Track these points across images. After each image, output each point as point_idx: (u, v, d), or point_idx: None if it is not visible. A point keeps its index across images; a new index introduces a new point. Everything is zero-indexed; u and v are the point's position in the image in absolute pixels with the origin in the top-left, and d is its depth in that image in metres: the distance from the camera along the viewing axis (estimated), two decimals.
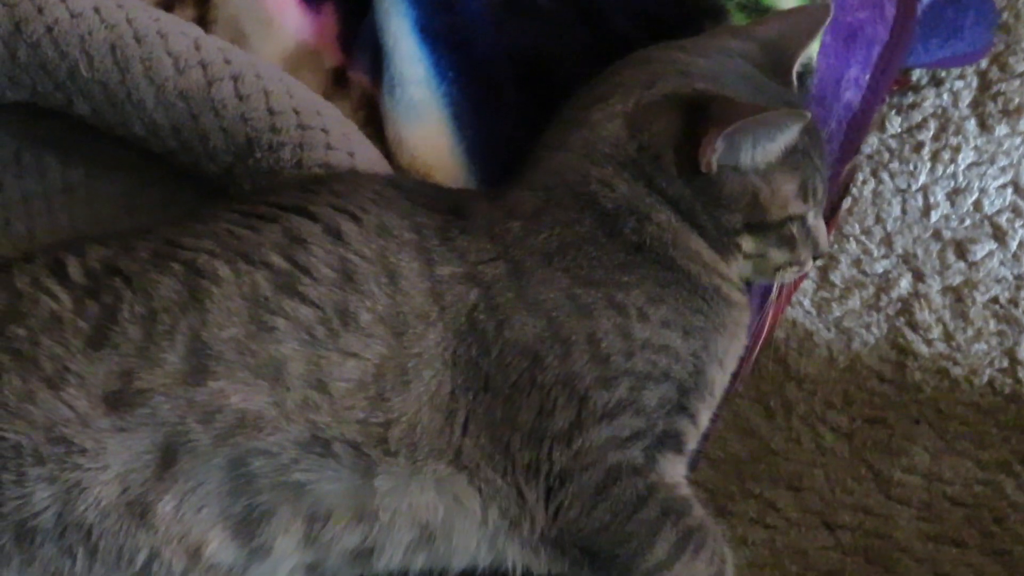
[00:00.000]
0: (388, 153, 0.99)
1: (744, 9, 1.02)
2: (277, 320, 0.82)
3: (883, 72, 1.16)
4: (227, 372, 0.81)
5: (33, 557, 0.80)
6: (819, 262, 0.98)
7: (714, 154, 0.87)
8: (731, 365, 0.93)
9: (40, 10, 0.94)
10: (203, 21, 1.03)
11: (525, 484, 0.83)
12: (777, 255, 0.92)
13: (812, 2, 1.05)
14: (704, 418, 0.90)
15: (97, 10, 0.95)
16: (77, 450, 0.79)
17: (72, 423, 0.80)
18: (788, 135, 0.89)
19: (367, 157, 0.96)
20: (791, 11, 1.02)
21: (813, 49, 1.03)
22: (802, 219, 0.92)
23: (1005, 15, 1.67)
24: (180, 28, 0.97)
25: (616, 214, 0.89)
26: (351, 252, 0.85)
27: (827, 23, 1.01)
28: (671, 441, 0.87)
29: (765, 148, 0.89)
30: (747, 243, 0.91)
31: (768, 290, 1.03)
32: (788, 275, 0.96)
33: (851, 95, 1.11)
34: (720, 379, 0.91)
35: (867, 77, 1.13)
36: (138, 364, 0.81)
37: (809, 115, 0.90)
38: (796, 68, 0.98)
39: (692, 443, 0.89)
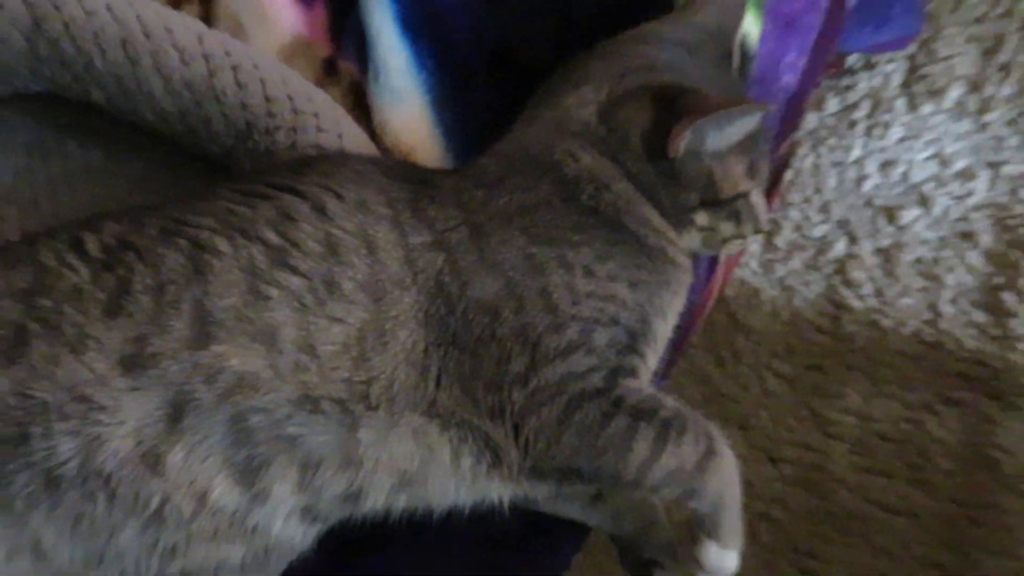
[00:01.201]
0: (374, 135, 0.99)
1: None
2: (271, 290, 0.82)
3: (817, 57, 1.16)
4: (227, 337, 0.81)
5: (59, 502, 0.80)
6: (759, 236, 0.97)
7: (683, 141, 0.87)
8: (672, 318, 0.93)
9: (57, 8, 0.93)
10: (206, 17, 1.02)
11: (492, 427, 0.84)
12: (725, 228, 0.93)
13: None
14: (652, 360, 0.90)
15: (109, 8, 0.94)
16: (97, 407, 0.79)
17: (92, 383, 0.80)
18: (748, 125, 0.90)
19: (355, 139, 0.96)
20: None
21: (753, 36, 1.02)
22: (747, 196, 0.92)
23: (931, 4, 1.66)
24: (185, 23, 0.97)
25: (576, 181, 0.89)
26: (335, 227, 0.85)
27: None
28: (626, 371, 0.87)
29: (727, 136, 0.89)
30: (701, 218, 0.91)
31: (715, 258, 1.04)
32: (732, 248, 0.96)
33: (789, 78, 1.11)
34: (662, 329, 0.91)
35: (803, 61, 1.13)
36: (149, 330, 0.81)
37: (770, 107, 0.90)
38: (735, 49, 0.98)
39: (647, 374, 0.89)
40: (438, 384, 0.83)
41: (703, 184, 0.90)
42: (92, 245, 0.85)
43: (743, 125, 0.90)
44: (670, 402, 0.86)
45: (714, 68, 0.95)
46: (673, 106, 0.89)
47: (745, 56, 1.01)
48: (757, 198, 0.94)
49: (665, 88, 0.90)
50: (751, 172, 0.92)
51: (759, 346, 1.55)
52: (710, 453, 0.85)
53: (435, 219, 0.87)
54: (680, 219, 0.91)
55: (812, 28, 1.15)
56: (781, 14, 1.10)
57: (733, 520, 0.86)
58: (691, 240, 0.93)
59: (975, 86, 1.64)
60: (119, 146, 1.00)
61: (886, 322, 1.54)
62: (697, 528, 0.86)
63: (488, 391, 0.84)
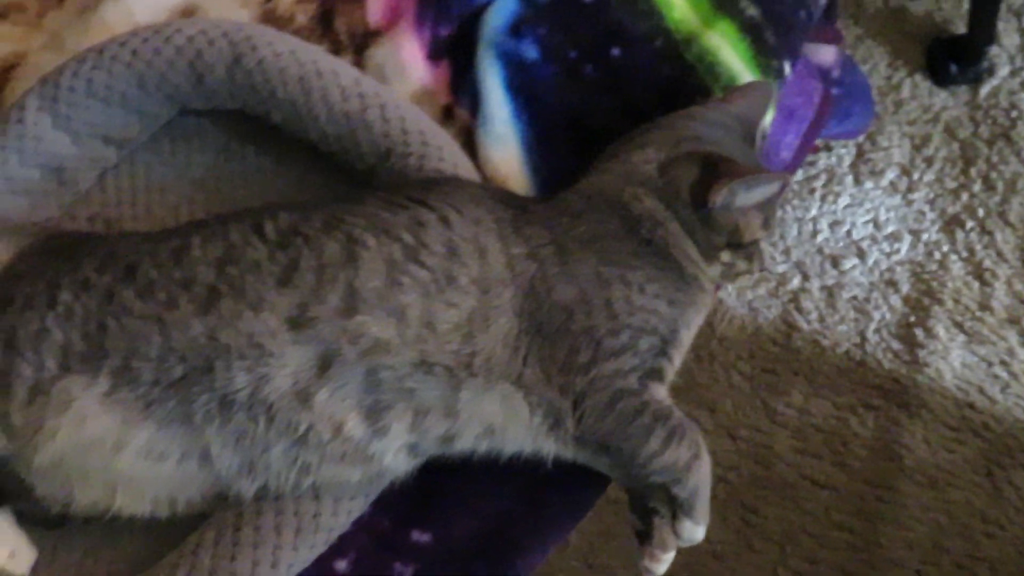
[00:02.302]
0: (477, 167, 0.98)
1: (723, 91, 1.01)
2: (404, 278, 0.81)
3: (807, 140, 1.15)
4: (369, 310, 0.80)
5: (229, 420, 0.79)
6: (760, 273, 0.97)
7: (720, 196, 0.86)
8: (695, 330, 0.92)
9: (254, 49, 0.92)
10: (359, 65, 1.01)
11: (559, 400, 0.82)
12: (740, 265, 0.91)
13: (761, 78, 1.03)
14: (677, 362, 0.89)
15: (293, 52, 0.93)
16: (267, 353, 0.78)
17: (265, 335, 0.79)
18: (770, 190, 0.89)
19: (466, 168, 0.95)
20: (745, 86, 1.00)
21: (767, 121, 1.01)
22: (759, 243, 0.92)
23: (878, 108, 1.66)
24: (346, 69, 0.95)
25: (638, 218, 0.87)
26: (455, 235, 0.84)
27: (775, 97, 1.00)
28: (656, 374, 0.85)
29: (752, 196, 0.88)
30: (725, 256, 0.90)
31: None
32: (741, 280, 0.95)
33: (786, 154, 1.10)
34: (687, 339, 0.90)
35: (797, 143, 1.12)
36: (311, 299, 0.79)
37: (789, 178, 0.90)
38: (758, 133, 0.98)
39: (670, 377, 0.88)
40: (524, 362, 0.82)
41: (730, 230, 0.89)
42: (270, 229, 0.83)
43: (766, 189, 0.89)
44: (678, 414, 0.85)
45: (742, 144, 0.94)
46: (715, 169, 0.88)
47: (762, 138, 1.00)
48: (766, 245, 0.94)
49: (709, 155, 0.89)
50: (765, 225, 0.91)
51: (728, 351, 1.55)
52: (696, 456, 0.84)
53: (530, 236, 0.85)
54: (710, 255, 0.90)
55: (806, 119, 1.14)
56: (784, 107, 1.09)
57: (704, 504, 0.86)
58: (714, 271, 0.92)
59: (905, 171, 1.65)
60: (286, 156, 0.99)
61: (825, 342, 1.54)
62: (677, 508, 0.85)
63: (559, 373, 0.82)
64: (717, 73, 1.01)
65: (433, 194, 0.87)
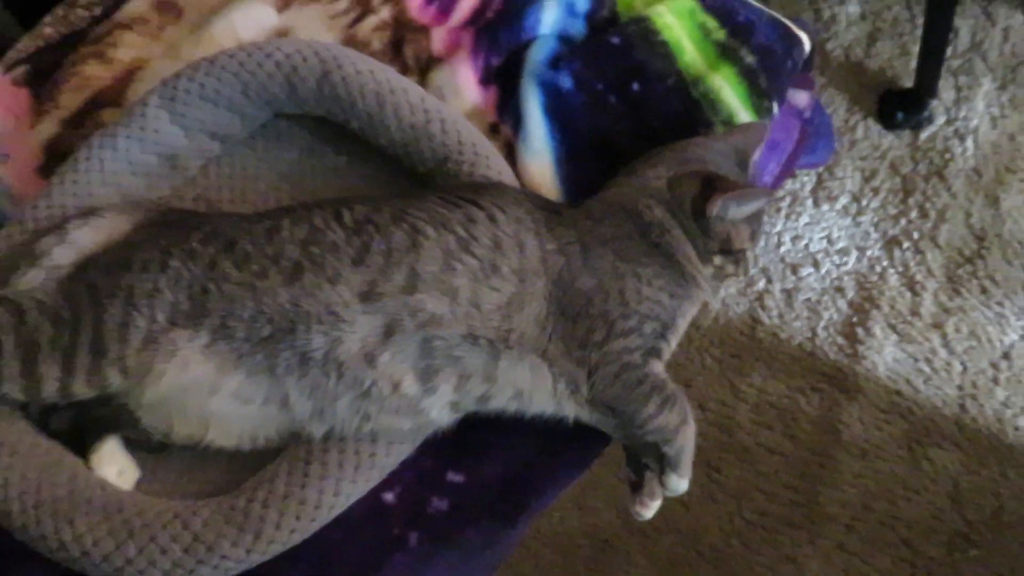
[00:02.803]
0: (517, 175, 0.96)
1: (724, 125, 0.99)
2: (457, 265, 0.80)
3: (786, 169, 1.13)
4: (427, 290, 0.78)
5: (306, 373, 0.78)
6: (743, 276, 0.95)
7: (715, 208, 0.85)
8: (689, 319, 0.91)
9: (339, 67, 0.91)
10: (422, 85, 0.99)
11: (576, 370, 0.81)
12: (728, 268, 0.90)
13: (758, 119, 1.01)
14: (674, 344, 0.87)
15: (371, 72, 0.92)
16: (341, 320, 0.77)
17: (339, 305, 0.77)
18: (757, 205, 0.87)
19: (508, 176, 0.93)
20: (746, 125, 0.98)
21: (758, 154, 1.00)
22: (745, 252, 0.90)
23: (837, 145, 1.65)
24: (414, 87, 0.94)
25: (649, 224, 0.86)
26: (500, 231, 0.82)
27: (767, 137, 0.99)
28: (656, 352, 0.84)
29: (743, 209, 0.86)
30: (717, 259, 0.89)
31: None
32: (727, 281, 0.94)
33: (768, 179, 1.08)
34: (683, 325, 0.89)
35: (778, 170, 1.11)
36: (379, 278, 0.78)
37: (774, 194, 0.88)
38: (751, 162, 0.96)
39: (667, 356, 0.87)
40: (550, 339, 0.81)
41: (722, 239, 0.88)
42: (347, 217, 0.82)
43: (754, 204, 0.87)
44: (672, 384, 0.84)
45: (737, 170, 0.93)
46: (713, 185, 0.86)
47: (753, 167, 0.99)
48: (751, 254, 0.92)
49: (709, 174, 0.88)
50: (752, 237, 0.89)
51: (703, 337, 1.54)
52: (684, 422, 0.83)
53: (560, 235, 0.84)
54: (705, 258, 0.89)
55: (785, 150, 1.13)
56: (769, 140, 1.07)
57: (688, 461, 0.84)
58: (708, 272, 0.90)
59: (856, 198, 1.63)
60: (359, 157, 0.97)
61: (783, 334, 1.53)
62: (665, 463, 0.84)
63: (578, 348, 0.81)
64: (718, 109, 0.99)
65: (483, 195, 0.85)
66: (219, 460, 0.84)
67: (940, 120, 1.66)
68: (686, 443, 0.84)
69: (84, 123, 1.02)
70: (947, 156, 1.63)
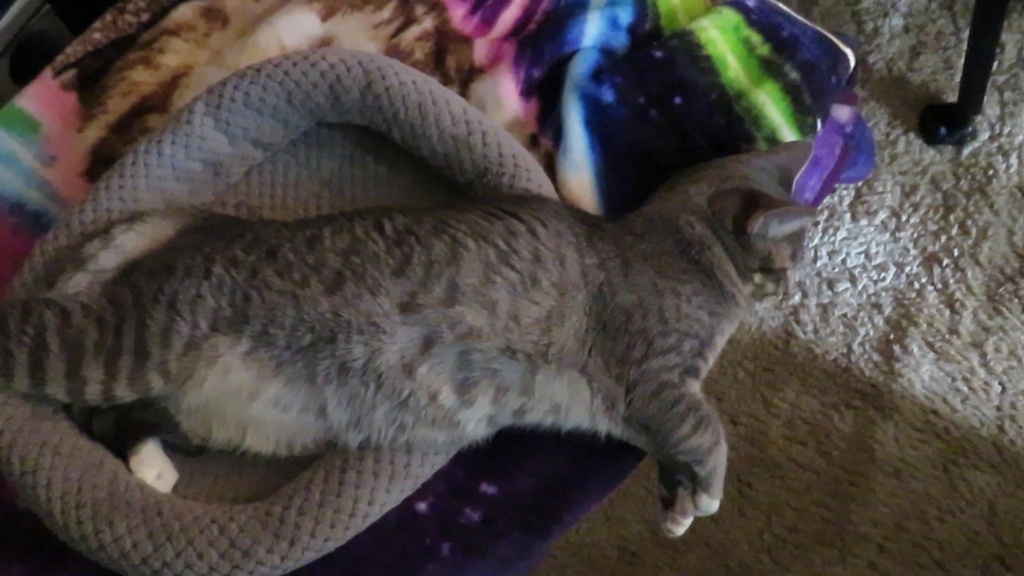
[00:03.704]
0: (557, 188, 0.95)
1: (767, 141, 0.98)
2: (497, 278, 0.79)
3: (828, 184, 1.12)
4: (466, 302, 0.78)
5: (345, 383, 0.78)
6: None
7: (757, 225, 0.84)
8: (727, 337, 0.90)
9: (383, 77, 0.91)
10: (464, 96, 0.99)
11: (614, 387, 0.81)
12: (768, 287, 0.89)
13: (801, 136, 1.00)
14: (711, 363, 0.87)
15: (414, 82, 0.92)
16: (381, 331, 0.77)
17: (380, 316, 0.77)
18: (799, 224, 0.86)
19: (548, 189, 0.93)
20: (790, 143, 0.97)
21: (801, 173, 0.99)
22: (786, 271, 0.89)
23: (877, 159, 1.63)
24: (455, 99, 0.94)
25: (690, 241, 0.85)
26: (540, 244, 0.82)
27: (811, 155, 0.98)
28: (694, 371, 0.83)
29: (785, 227, 0.85)
30: (757, 277, 0.88)
31: None
32: (766, 301, 0.92)
33: (809, 195, 1.07)
34: (721, 343, 0.88)
35: (819, 187, 1.09)
36: (419, 289, 0.78)
37: (816, 214, 0.87)
38: (795, 180, 0.95)
39: (704, 375, 0.86)
40: (589, 354, 0.81)
41: (763, 256, 0.87)
42: (388, 228, 0.82)
43: (796, 223, 0.86)
44: (707, 406, 0.83)
45: (779, 188, 0.92)
46: (754, 202, 0.85)
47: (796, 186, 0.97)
48: (791, 274, 0.91)
49: (751, 191, 0.87)
50: (793, 257, 0.88)
51: (737, 351, 1.52)
52: (716, 443, 0.82)
53: (601, 249, 0.84)
54: (745, 276, 0.88)
55: (827, 167, 1.11)
56: (812, 156, 1.06)
57: (719, 483, 0.83)
58: (747, 290, 0.90)
59: (895, 213, 1.61)
60: (399, 166, 0.97)
61: (817, 350, 1.51)
62: (697, 484, 0.83)
63: (617, 364, 0.81)
64: (761, 125, 0.98)
65: (524, 208, 0.85)
66: (256, 465, 0.85)
67: (984, 136, 1.63)
68: (718, 464, 0.83)
69: (130, 128, 1.04)
70: (990, 173, 1.60)
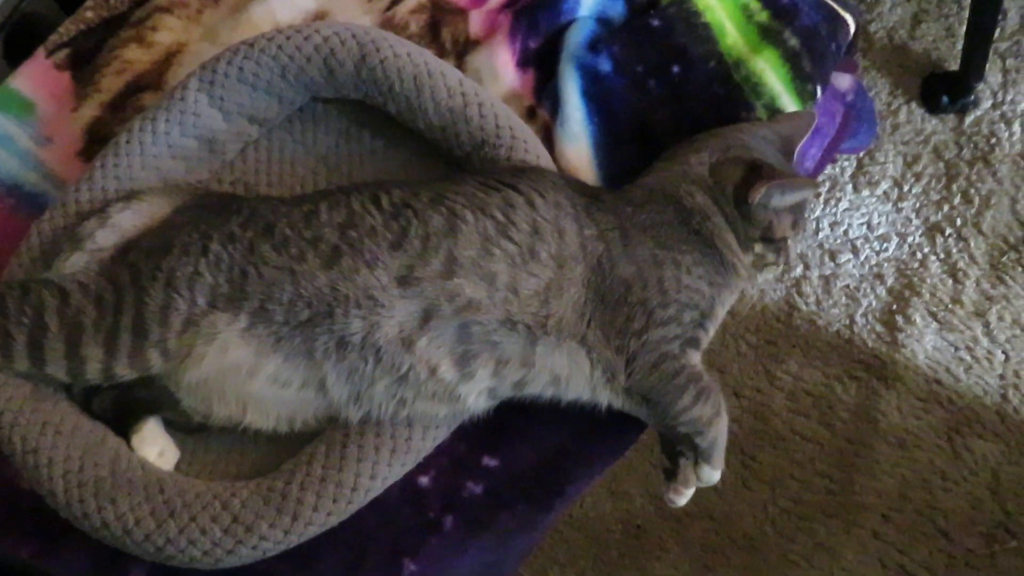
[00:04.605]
0: (554, 159, 0.95)
1: (766, 109, 0.97)
2: (495, 250, 0.79)
3: (828, 153, 1.11)
4: (465, 275, 0.78)
5: (344, 357, 0.78)
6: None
7: (759, 195, 0.83)
8: (728, 308, 0.89)
9: (377, 50, 0.90)
10: (460, 68, 0.98)
11: (614, 358, 0.80)
12: (769, 257, 0.88)
13: (801, 103, 0.99)
14: (712, 333, 0.86)
15: (409, 55, 0.91)
16: (379, 304, 0.77)
17: (377, 289, 0.77)
18: (801, 195, 0.86)
19: (545, 160, 0.92)
20: (793, 113, 0.96)
21: (803, 143, 0.97)
22: (787, 241, 0.88)
23: (878, 129, 1.61)
24: (451, 71, 0.93)
25: (691, 211, 0.84)
26: (539, 216, 0.81)
27: (814, 125, 0.96)
28: (694, 342, 0.83)
29: (786, 199, 0.84)
30: (758, 247, 0.87)
31: None
32: (768, 271, 0.91)
33: (809, 164, 1.06)
34: (721, 314, 0.87)
35: (819, 156, 1.08)
36: (417, 262, 0.78)
37: (818, 186, 0.86)
38: (796, 150, 0.94)
39: (704, 346, 0.85)
40: (588, 325, 0.80)
41: (764, 226, 0.86)
42: (385, 201, 0.82)
43: (798, 194, 0.86)
44: (707, 377, 0.83)
45: (781, 158, 0.90)
46: (756, 172, 0.84)
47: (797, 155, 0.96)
48: (792, 243, 0.90)
49: (753, 160, 0.86)
50: (794, 226, 0.88)
51: (739, 324, 1.51)
52: (717, 414, 0.82)
53: (600, 221, 0.83)
54: (746, 246, 0.87)
55: (827, 135, 1.10)
56: None
57: (720, 454, 0.83)
58: (748, 260, 0.89)
59: (897, 183, 1.59)
60: (396, 140, 0.96)
61: (820, 321, 1.50)
62: (698, 455, 0.83)
63: (616, 336, 0.81)
64: (760, 93, 0.97)
65: (522, 180, 0.84)
66: (257, 442, 0.85)
67: (986, 104, 1.61)
68: (719, 436, 0.83)
69: (124, 106, 1.03)
70: (993, 141, 1.59)
